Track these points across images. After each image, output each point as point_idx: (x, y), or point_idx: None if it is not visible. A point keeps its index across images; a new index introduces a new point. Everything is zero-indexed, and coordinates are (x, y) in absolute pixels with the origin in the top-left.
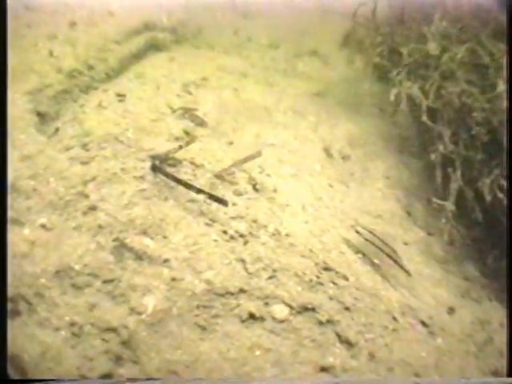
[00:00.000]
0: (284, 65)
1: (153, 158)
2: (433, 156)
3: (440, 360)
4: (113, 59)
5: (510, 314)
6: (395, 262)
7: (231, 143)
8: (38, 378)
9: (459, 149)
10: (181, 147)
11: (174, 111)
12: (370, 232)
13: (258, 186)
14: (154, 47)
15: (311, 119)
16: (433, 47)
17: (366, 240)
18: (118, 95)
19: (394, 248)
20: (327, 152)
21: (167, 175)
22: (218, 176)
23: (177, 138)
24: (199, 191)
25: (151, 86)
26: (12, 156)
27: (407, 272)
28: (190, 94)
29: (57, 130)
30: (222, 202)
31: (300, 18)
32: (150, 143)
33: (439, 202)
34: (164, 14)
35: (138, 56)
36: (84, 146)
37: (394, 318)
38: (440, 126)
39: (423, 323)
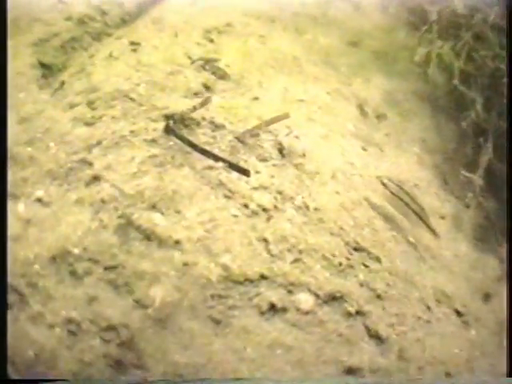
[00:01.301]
0: (315, 10)
1: (166, 117)
2: (464, 124)
3: (472, 355)
4: (129, 3)
5: (510, 315)
6: (421, 219)
7: (256, 99)
8: (37, 378)
9: (492, 117)
10: (195, 108)
11: (192, 62)
12: (398, 186)
13: (284, 151)
14: None
15: (344, 71)
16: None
17: (393, 194)
18: (132, 43)
19: (422, 206)
20: (361, 109)
21: (182, 139)
22: (240, 138)
23: (195, 93)
24: (217, 159)
25: (169, 33)
26: (9, 118)
27: (434, 232)
28: (212, 41)
29: (62, 83)
30: (243, 171)
31: None
32: (164, 100)
33: (467, 174)
34: None
35: None
36: (90, 104)
37: (428, 308)
38: (472, 91)
39: (457, 312)
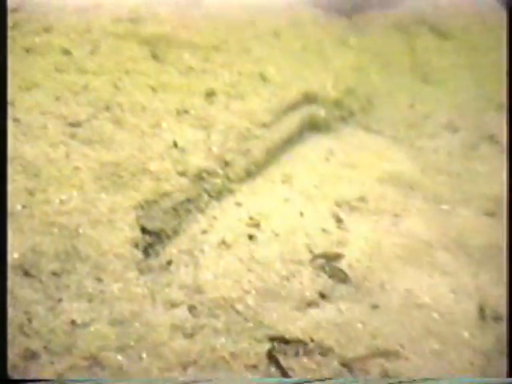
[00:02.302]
0: (459, 165)
1: (272, 339)
2: None
3: None
4: (257, 150)
5: (509, 315)
6: None
7: (375, 307)
8: (38, 378)
9: None
10: None
11: (313, 259)
12: None
13: (391, 380)
14: (311, 127)
15: (476, 258)
16: None
17: None
18: (251, 222)
19: None
20: (481, 311)
21: (281, 369)
22: (347, 365)
23: (309, 304)
24: None
25: (296, 208)
26: (100, 315)
27: None
28: (340, 224)
29: (169, 263)
30: None
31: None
32: (272, 314)
33: None
34: (330, 78)
35: (288, 141)
36: (192, 309)
37: None
38: None
39: None
